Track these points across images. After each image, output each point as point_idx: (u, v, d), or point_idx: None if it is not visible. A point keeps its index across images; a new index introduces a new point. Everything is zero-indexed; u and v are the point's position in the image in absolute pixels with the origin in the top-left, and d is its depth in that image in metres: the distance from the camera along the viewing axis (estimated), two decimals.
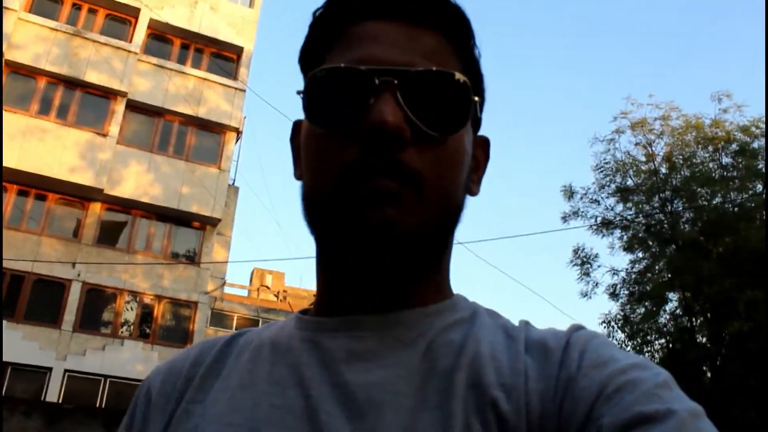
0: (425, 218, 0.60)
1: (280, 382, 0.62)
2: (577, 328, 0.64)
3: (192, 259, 17.47)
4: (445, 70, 0.62)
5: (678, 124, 14.49)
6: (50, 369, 14.79)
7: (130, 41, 17.70)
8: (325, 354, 0.63)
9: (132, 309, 16.41)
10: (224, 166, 18.03)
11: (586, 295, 14.55)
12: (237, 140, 18.73)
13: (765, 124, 12.90)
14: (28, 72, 16.41)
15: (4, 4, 15.82)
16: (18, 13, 16.37)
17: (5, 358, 13.82)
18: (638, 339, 13.74)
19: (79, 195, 16.47)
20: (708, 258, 12.52)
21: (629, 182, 14.71)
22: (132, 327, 16.22)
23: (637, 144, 14.67)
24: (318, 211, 0.64)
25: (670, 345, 13.45)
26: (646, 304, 13.95)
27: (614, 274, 14.59)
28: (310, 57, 0.69)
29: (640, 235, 14.42)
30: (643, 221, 14.45)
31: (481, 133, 0.74)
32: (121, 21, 18.12)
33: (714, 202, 13.47)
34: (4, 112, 15.25)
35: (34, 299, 15.31)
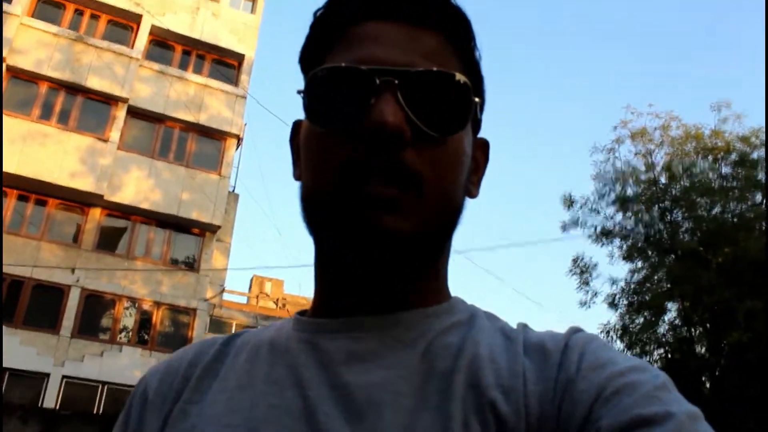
0: (425, 220, 0.60)
1: (278, 383, 0.62)
2: (575, 331, 0.64)
3: (191, 265, 17.45)
4: (446, 70, 0.62)
5: (678, 133, 14.51)
6: (48, 375, 14.75)
7: (132, 47, 17.75)
8: (324, 355, 0.63)
9: (131, 315, 16.38)
10: (224, 173, 18.05)
11: (585, 304, 14.53)
12: (237, 147, 18.76)
13: (765, 134, 12.92)
14: (30, 77, 16.45)
15: (6, 10, 15.87)
16: (20, 18, 16.43)
17: (3, 364, 13.79)
18: (637, 349, 13.70)
19: (79, 200, 16.48)
20: (707, 268, 12.51)
21: (629, 192, 14.70)
22: (130, 333, 16.19)
23: (636, 153, 14.68)
24: (317, 211, 0.64)
25: (669, 355, 13.43)
26: (645, 314, 13.93)
27: (613, 283, 14.57)
28: (310, 57, 0.69)
29: (640, 244, 14.41)
30: (643, 231, 14.44)
31: (480, 136, 0.74)
32: (123, 27, 18.18)
33: (713, 212, 13.47)
34: (4, 116, 15.28)
35: (33, 304, 15.28)
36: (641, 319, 14.06)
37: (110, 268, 16.25)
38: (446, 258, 0.70)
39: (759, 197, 13.30)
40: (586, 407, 0.53)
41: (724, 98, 16.22)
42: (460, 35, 0.67)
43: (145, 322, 16.49)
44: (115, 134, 16.83)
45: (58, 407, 14.42)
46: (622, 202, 14.55)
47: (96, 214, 16.66)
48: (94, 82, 16.88)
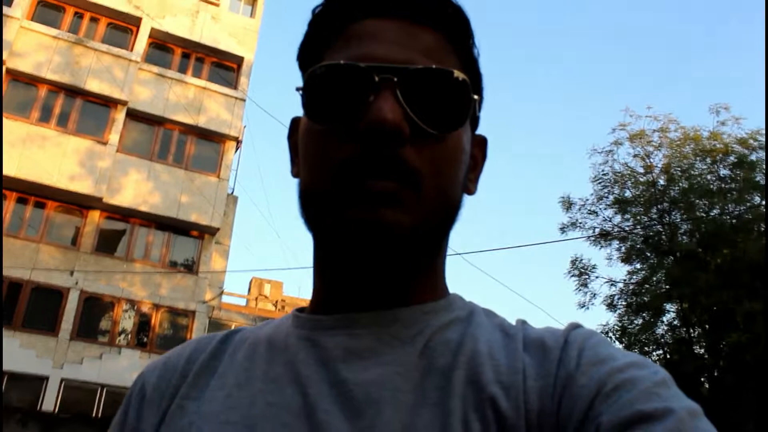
0: (423, 216, 0.60)
1: (277, 380, 0.62)
2: (574, 327, 0.64)
3: (190, 268, 17.44)
4: (445, 67, 0.62)
5: (676, 136, 14.53)
6: (47, 377, 14.72)
7: (131, 50, 17.75)
8: (323, 352, 0.63)
9: (130, 317, 16.36)
10: (223, 175, 18.04)
11: (584, 306, 14.55)
12: (236, 149, 18.76)
13: (765, 135, 12.93)
14: (29, 80, 16.45)
15: (6, 13, 15.87)
16: (20, 21, 16.43)
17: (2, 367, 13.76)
18: (636, 350, 13.69)
19: (78, 203, 16.47)
20: (706, 270, 12.52)
21: (627, 193, 14.72)
22: (129, 335, 16.17)
23: (635, 156, 14.70)
24: (316, 209, 0.63)
25: (668, 356, 13.44)
26: (644, 315, 13.94)
27: (612, 285, 14.60)
28: (309, 54, 0.69)
29: (638, 246, 14.42)
30: (641, 232, 14.46)
31: (479, 133, 0.74)
32: (123, 30, 18.18)
33: (712, 214, 13.48)
34: (4, 119, 15.27)
35: (32, 307, 15.25)
36: (640, 321, 14.09)
37: (109, 270, 16.24)
38: (444, 255, 0.70)
39: (757, 199, 13.31)
40: (586, 403, 0.53)
41: (723, 101, 16.25)
42: (458, 33, 0.67)
43: (144, 324, 16.47)
44: (114, 137, 16.83)
45: (57, 410, 14.40)
46: (621, 204, 14.57)
47: (95, 216, 16.65)
48: (94, 85, 16.88)
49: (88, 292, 15.83)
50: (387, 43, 0.63)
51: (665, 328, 13.99)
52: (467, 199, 0.69)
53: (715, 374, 12.61)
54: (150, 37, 18.21)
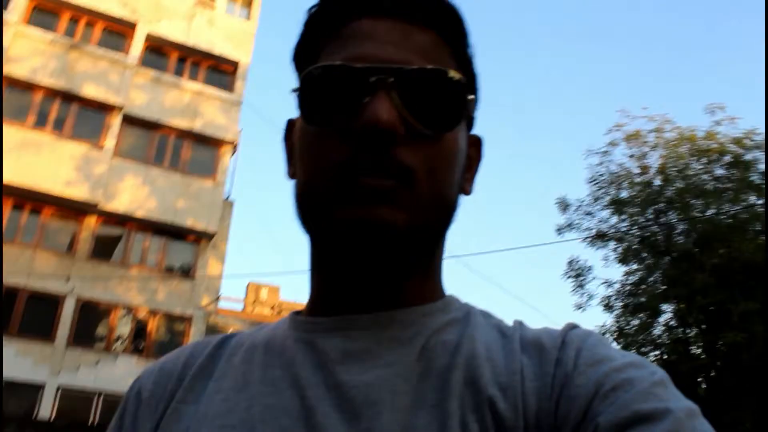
0: (419, 215, 0.60)
1: (275, 383, 0.62)
2: (571, 327, 0.64)
3: (187, 273, 17.42)
4: (440, 67, 0.62)
5: (672, 136, 14.54)
6: (43, 385, 14.68)
7: (127, 54, 17.77)
8: (320, 354, 0.63)
9: (126, 323, 16.34)
10: (220, 180, 18.04)
11: (581, 307, 14.55)
12: (233, 154, 18.76)
13: (765, 138, 12.95)
14: (25, 85, 16.43)
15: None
16: (16, 26, 16.41)
17: None
18: (633, 351, 13.71)
19: (74, 209, 16.45)
20: (702, 270, 12.54)
21: (623, 194, 14.73)
22: (126, 342, 16.15)
23: (631, 156, 14.71)
24: (311, 209, 0.63)
25: (665, 356, 13.45)
26: (641, 315, 13.95)
27: (609, 286, 14.60)
28: (304, 55, 0.69)
29: (635, 246, 14.43)
30: (638, 233, 14.47)
31: (474, 133, 0.74)
32: (118, 34, 18.19)
33: (708, 214, 13.51)
34: None
35: (28, 314, 15.22)
36: (637, 321, 14.09)
37: (105, 276, 16.21)
38: (441, 255, 0.70)
39: (753, 198, 13.34)
40: (584, 403, 0.53)
41: (719, 100, 16.30)
42: (454, 32, 0.67)
43: (140, 330, 16.46)
44: (110, 142, 16.83)
45: (53, 417, 14.36)
46: (617, 205, 14.59)
47: (91, 222, 16.63)
48: (90, 90, 16.87)
49: (84, 299, 15.81)
50: (382, 44, 0.63)
51: (662, 328, 14.00)
52: (464, 201, 0.69)
53: (713, 374, 12.63)
54: (146, 41, 18.23)
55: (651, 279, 14.23)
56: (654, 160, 14.59)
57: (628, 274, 14.66)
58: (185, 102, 18.04)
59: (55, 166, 15.96)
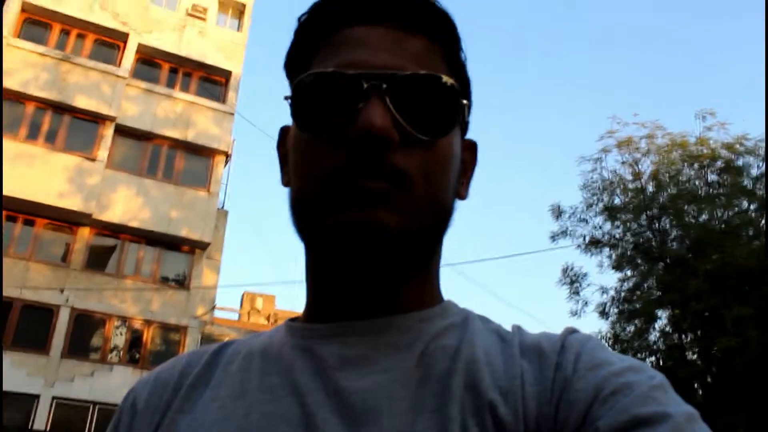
0: (415, 218, 0.60)
1: (273, 390, 0.61)
2: (571, 332, 0.64)
3: (181, 283, 17.37)
4: (434, 73, 0.62)
5: (663, 142, 14.59)
6: (38, 396, 14.60)
7: (119, 66, 17.76)
8: (319, 361, 0.62)
9: (121, 334, 16.27)
10: (213, 190, 18.02)
11: (576, 314, 14.55)
12: (226, 164, 18.74)
13: (765, 133, 13.00)
14: (17, 97, 16.40)
15: None
16: (7, 38, 16.39)
17: None
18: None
19: (67, 220, 16.39)
20: (696, 275, 12.57)
21: (616, 201, 14.76)
22: (121, 352, 16.08)
23: (623, 163, 14.75)
24: (306, 215, 0.63)
25: (661, 363, 13.46)
26: (636, 322, 13.95)
27: (604, 292, 14.61)
28: (296, 62, 0.69)
29: (629, 253, 14.45)
30: (632, 239, 14.51)
31: (468, 138, 0.75)
32: (110, 46, 18.19)
33: (701, 220, 13.56)
34: None
35: (22, 325, 15.15)
36: (632, 327, 14.09)
37: (100, 287, 16.15)
38: (438, 261, 0.69)
39: (745, 204, 13.41)
40: (584, 407, 0.54)
41: (709, 107, 16.39)
42: (446, 38, 0.67)
43: (135, 340, 16.38)
44: (103, 153, 16.79)
45: (48, 429, 14.27)
46: (610, 212, 14.62)
47: (85, 233, 16.58)
48: (82, 101, 16.85)
49: (78, 310, 15.74)
50: (375, 50, 0.63)
51: (657, 334, 14.02)
52: (459, 205, 0.69)
53: (708, 380, 12.65)
54: (137, 52, 18.22)
55: (645, 285, 14.25)
56: (646, 167, 14.64)
57: (622, 280, 14.67)
58: (177, 113, 18.03)
59: (47, 178, 15.92)
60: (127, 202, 16.84)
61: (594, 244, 14.65)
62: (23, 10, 17.34)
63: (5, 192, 15.21)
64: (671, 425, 0.50)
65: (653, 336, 14.02)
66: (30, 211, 16.02)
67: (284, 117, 0.73)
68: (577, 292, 14.58)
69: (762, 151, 13.36)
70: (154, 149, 17.81)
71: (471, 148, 0.75)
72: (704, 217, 13.60)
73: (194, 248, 17.57)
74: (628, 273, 14.65)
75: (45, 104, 16.71)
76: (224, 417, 0.61)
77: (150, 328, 16.44)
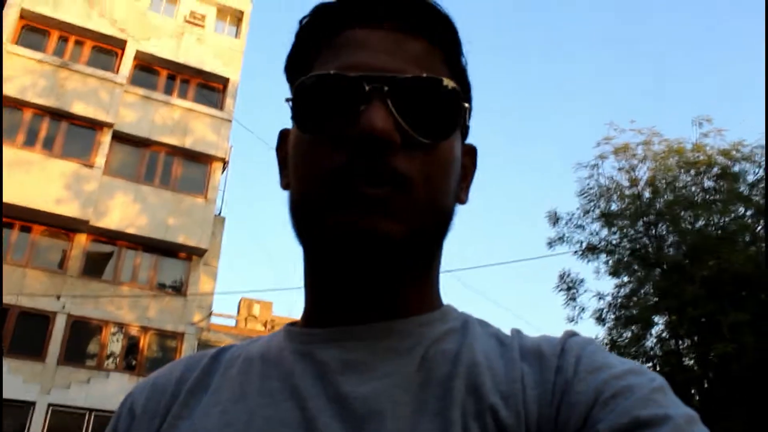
0: (415, 222, 0.60)
1: (273, 395, 0.61)
2: (571, 335, 0.64)
3: (178, 289, 17.34)
4: (435, 76, 0.62)
5: (660, 148, 14.63)
6: (34, 403, 14.54)
7: (117, 72, 17.76)
8: (319, 366, 0.62)
9: (118, 341, 16.22)
10: (211, 197, 18.01)
11: (573, 320, 14.55)
12: (223, 170, 18.75)
13: (765, 134, 13.04)
14: (15, 104, 16.40)
15: None
16: (5, 45, 16.40)
17: None
18: None
19: (64, 226, 16.36)
20: (692, 281, 12.59)
21: (613, 207, 14.79)
22: (118, 359, 16.03)
23: (620, 169, 14.78)
24: (306, 218, 0.63)
25: (658, 368, 13.46)
26: (633, 328, 13.96)
27: (600, 298, 14.61)
28: (297, 65, 0.69)
29: (625, 259, 14.47)
30: (628, 246, 14.52)
31: (468, 142, 0.74)
32: (108, 53, 18.20)
33: (697, 226, 13.58)
34: None
35: (19, 332, 15.09)
36: (629, 333, 14.09)
37: (96, 293, 16.12)
38: (437, 265, 0.69)
39: (741, 210, 13.45)
40: (585, 410, 0.54)
41: (705, 113, 16.44)
42: (447, 41, 0.67)
43: (132, 347, 16.33)
44: (100, 160, 16.78)
45: None
46: (607, 218, 14.64)
47: (82, 239, 16.55)
48: (79, 108, 16.85)
49: (75, 316, 15.70)
50: (376, 52, 0.63)
51: (654, 340, 14.02)
52: (459, 209, 0.69)
53: (705, 386, 12.66)
54: (135, 59, 18.24)
55: (642, 291, 14.27)
56: (643, 173, 14.67)
57: (619, 286, 14.67)
58: (175, 119, 18.04)
59: (45, 185, 15.90)
60: (125, 209, 16.82)
61: (591, 251, 14.67)
62: (22, 17, 17.36)
63: (3, 199, 15.19)
64: (671, 427, 0.50)
65: (650, 342, 14.02)
66: (27, 218, 15.98)
67: (281, 123, 0.74)
68: (573, 299, 14.60)
69: (758, 158, 13.41)
70: (152, 156, 17.81)
71: (471, 152, 0.75)
72: (701, 223, 13.63)
73: (191, 255, 17.55)
74: (625, 279, 14.66)
75: (43, 111, 16.70)
76: (225, 422, 0.61)
77: (147, 334, 16.40)
